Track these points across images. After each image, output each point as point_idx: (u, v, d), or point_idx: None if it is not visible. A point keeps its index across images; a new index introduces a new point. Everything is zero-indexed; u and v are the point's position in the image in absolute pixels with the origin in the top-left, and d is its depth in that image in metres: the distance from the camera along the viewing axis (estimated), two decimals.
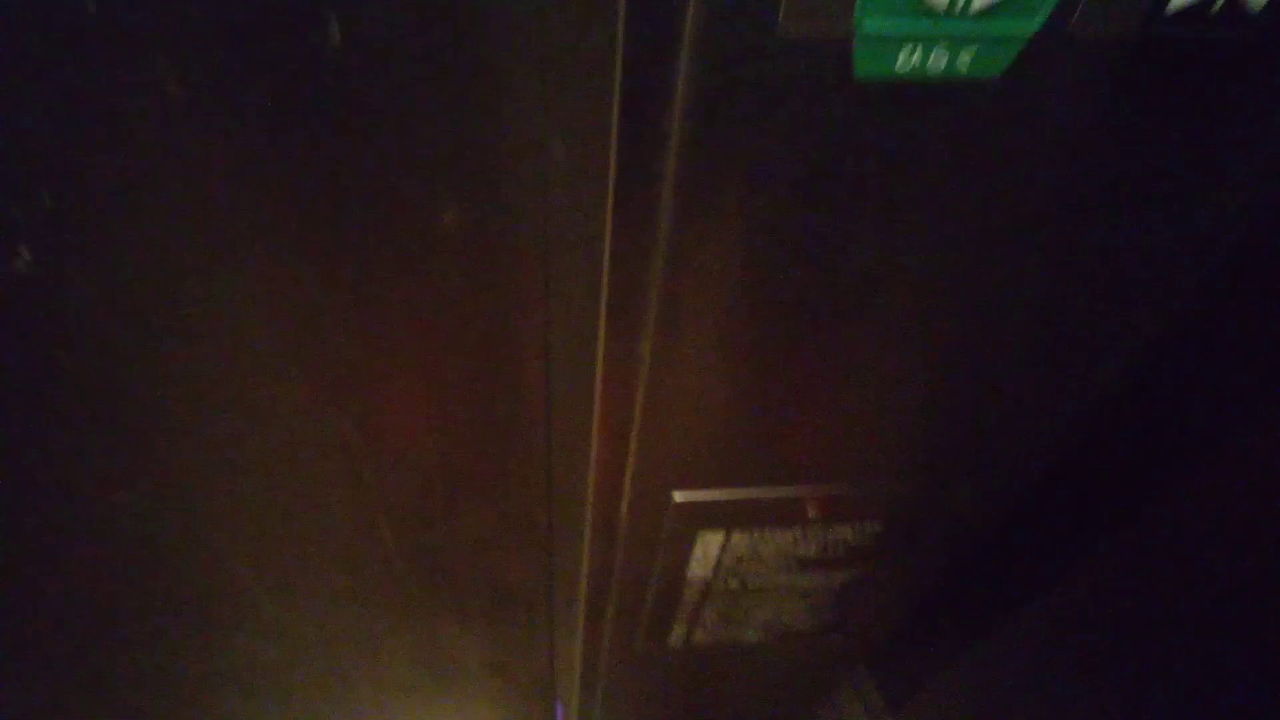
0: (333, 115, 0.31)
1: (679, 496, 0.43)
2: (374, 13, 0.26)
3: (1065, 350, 0.37)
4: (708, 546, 0.48)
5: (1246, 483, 0.51)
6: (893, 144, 0.25)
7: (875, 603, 0.58)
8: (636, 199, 0.27)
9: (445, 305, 0.41)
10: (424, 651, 0.78)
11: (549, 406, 0.46)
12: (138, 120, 0.29)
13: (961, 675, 0.91)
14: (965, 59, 0.22)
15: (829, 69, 0.22)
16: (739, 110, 0.23)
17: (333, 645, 0.72)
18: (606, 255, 0.30)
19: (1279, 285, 0.42)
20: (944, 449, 0.43)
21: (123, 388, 0.41)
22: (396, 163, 0.33)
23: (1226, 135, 0.25)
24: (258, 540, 0.55)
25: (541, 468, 0.51)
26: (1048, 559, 0.70)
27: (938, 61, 0.22)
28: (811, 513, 0.45)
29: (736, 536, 0.47)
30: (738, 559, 0.50)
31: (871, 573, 0.53)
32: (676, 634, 0.61)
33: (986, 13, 0.21)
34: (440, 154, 0.33)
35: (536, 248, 0.36)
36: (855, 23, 0.21)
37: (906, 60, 0.22)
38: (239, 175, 0.33)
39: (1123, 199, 0.28)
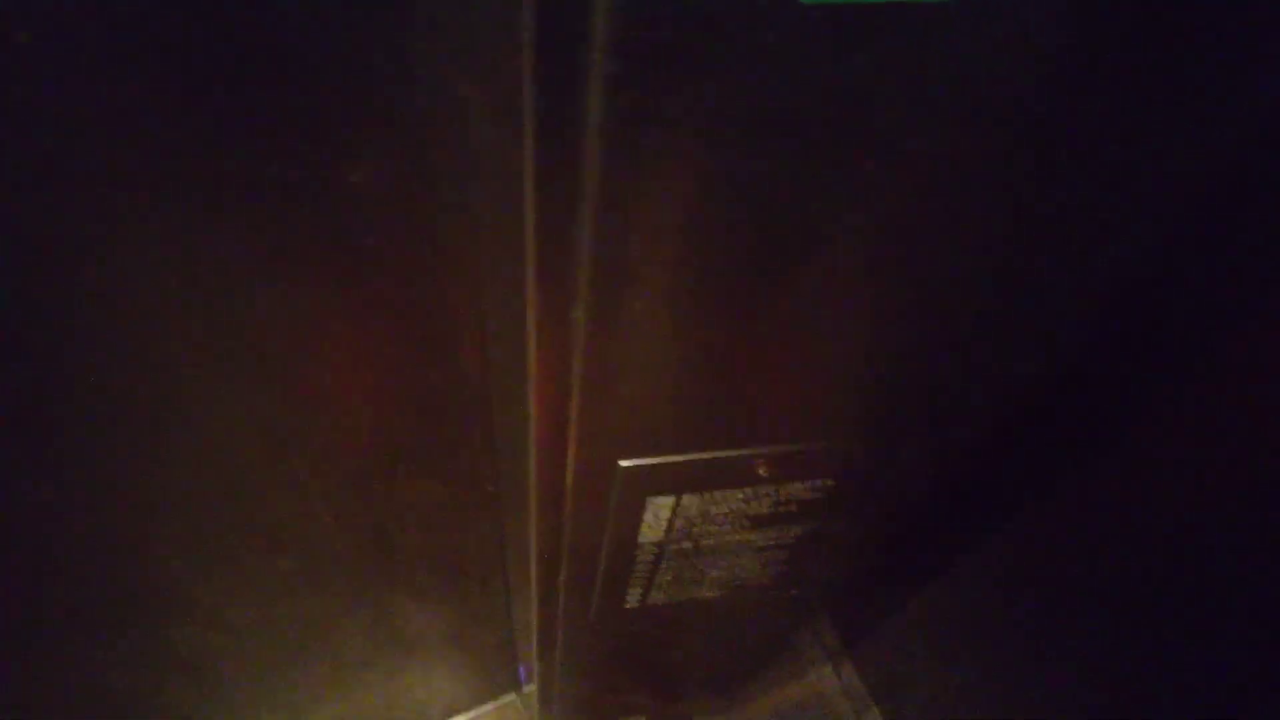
0: (220, 61, 0.27)
1: (625, 464, 0.41)
2: None
3: (1019, 305, 0.36)
4: (658, 511, 0.46)
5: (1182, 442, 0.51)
6: (840, 77, 0.22)
7: (829, 554, 0.58)
8: (558, 149, 0.24)
9: (363, 270, 0.38)
10: (379, 628, 0.76)
11: (487, 377, 0.43)
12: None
13: (913, 615, 0.93)
14: None
15: None
16: (667, 42, 0.20)
17: (282, 629, 0.70)
18: (530, 213, 0.27)
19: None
20: (894, 405, 0.42)
21: (32, 377, 0.37)
22: (292, 113, 0.29)
23: (1213, 62, 0.23)
24: (189, 531, 0.52)
25: (484, 438, 0.49)
26: (993, 506, 0.71)
27: None
28: (763, 472, 0.44)
29: (687, 499, 0.46)
30: (689, 521, 0.48)
31: (825, 526, 0.53)
32: (632, 596, 0.60)
33: None
34: (339, 102, 0.29)
35: (457, 204, 0.33)
36: None
37: None
38: (132, 135, 0.29)
39: (1095, 137, 0.26)
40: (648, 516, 0.47)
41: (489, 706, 1.08)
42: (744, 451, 0.42)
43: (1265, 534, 0.48)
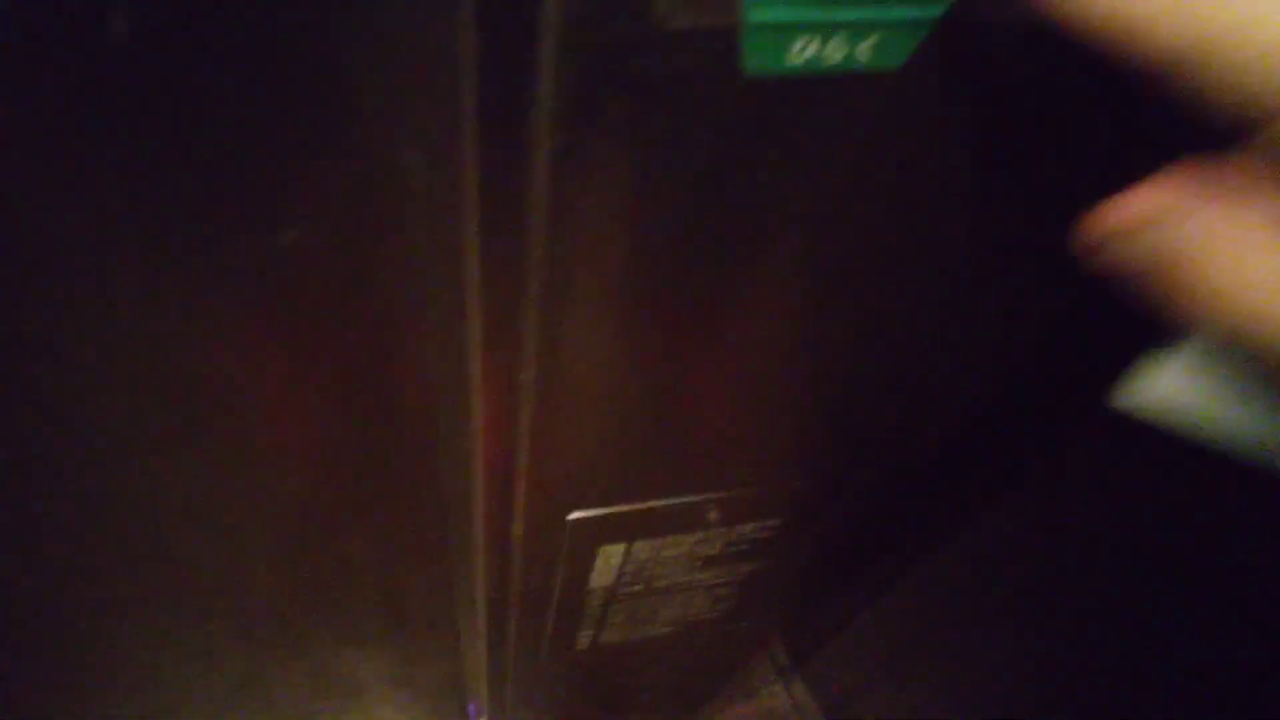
0: (137, 124, 0.25)
1: (576, 516, 0.40)
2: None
3: (957, 348, 0.37)
4: (609, 558, 0.45)
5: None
6: (785, 144, 0.22)
7: (780, 587, 0.58)
8: (505, 215, 0.23)
9: (296, 321, 0.36)
10: (322, 678, 0.73)
11: (434, 430, 0.41)
12: None
13: (861, 633, 0.94)
14: (866, 49, 0.19)
15: (714, 63, 0.19)
16: (613, 112, 0.19)
17: (216, 689, 0.66)
18: (476, 280, 0.26)
19: None
20: (842, 443, 0.42)
21: None
22: (228, 174, 0.28)
23: (1146, 125, 0.24)
24: (113, 597, 0.49)
25: (429, 491, 0.47)
26: (938, 528, 0.72)
27: (835, 52, 0.19)
28: (713, 517, 0.43)
29: (638, 545, 0.45)
30: (641, 565, 0.48)
31: (775, 561, 0.52)
32: (584, 638, 0.59)
33: None
34: (274, 165, 0.28)
35: (401, 262, 0.32)
36: (742, 10, 0.18)
37: (801, 52, 0.19)
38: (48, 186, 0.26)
39: (1032, 195, 0.26)
40: (598, 564, 0.46)
41: None
42: (695, 498, 0.41)
43: (1208, 549, 0.49)
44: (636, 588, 0.51)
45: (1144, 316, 0.21)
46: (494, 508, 0.39)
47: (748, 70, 0.19)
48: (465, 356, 0.30)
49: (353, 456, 0.44)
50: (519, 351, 0.29)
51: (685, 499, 0.41)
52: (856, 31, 0.19)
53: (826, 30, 0.19)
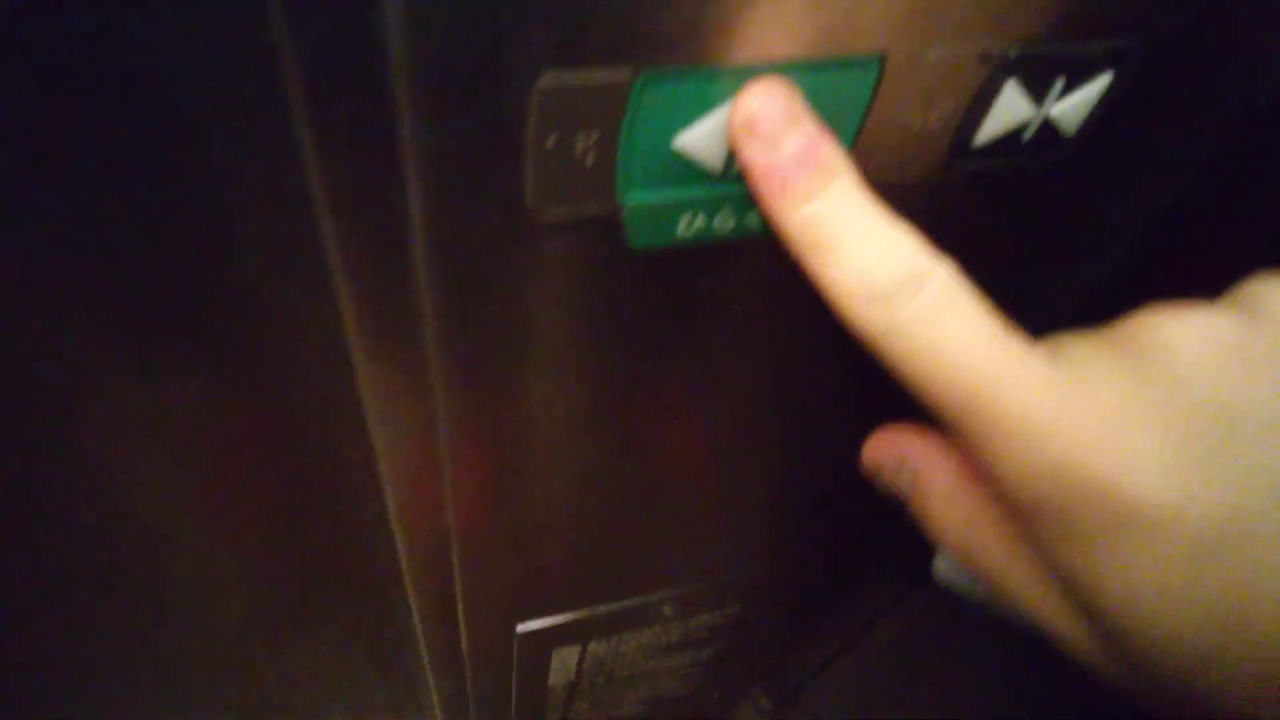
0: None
1: (523, 628, 0.39)
2: None
3: None
4: (565, 659, 0.44)
5: None
6: (684, 306, 0.21)
7: (747, 662, 0.57)
8: (400, 389, 0.22)
9: (202, 459, 0.34)
10: None
11: (369, 562, 0.40)
12: None
13: (839, 676, 0.93)
14: (755, 217, 0.19)
15: (599, 244, 0.18)
16: (496, 305, 0.19)
17: None
18: (384, 439, 0.25)
19: None
20: (791, 530, 0.41)
21: None
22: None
23: (1039, 260, 0.23)
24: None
25: (372, 613, 0.45)
26: (902, 578, 0.72)
27: (723, 223, 0.19)
28: (668, 612, 0.42)
29: (594, 645, 0.44)
30: (599, 660, 0.46)
31: (739, 641, 0.51)
32: None
33: None
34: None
35: (305, 407, 0.30)
36: (619, 196, 0.17)
37: (689, 226, 0.18)
38: None
39: None
40: (555, 665, 0.44)
41: None
42: (647, 598, 0.40)
43: None
44: (598, 679, 0.49)
45: None
46: (436, 626, 0.38)
47: (635, 248, 0.18)
48: (382, 496, 0.29)
49: (292, 579, 0.43)
50: (437, 488, 0.27)
51: (636, 599, 0.40)
52: (741, 202, 0.18)
53: (711, 205, 0.18)
